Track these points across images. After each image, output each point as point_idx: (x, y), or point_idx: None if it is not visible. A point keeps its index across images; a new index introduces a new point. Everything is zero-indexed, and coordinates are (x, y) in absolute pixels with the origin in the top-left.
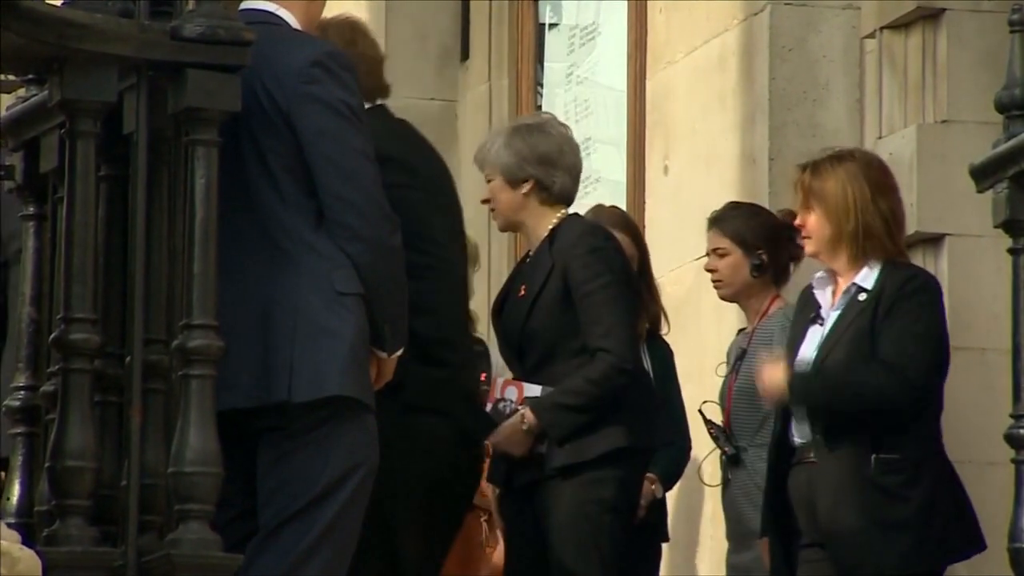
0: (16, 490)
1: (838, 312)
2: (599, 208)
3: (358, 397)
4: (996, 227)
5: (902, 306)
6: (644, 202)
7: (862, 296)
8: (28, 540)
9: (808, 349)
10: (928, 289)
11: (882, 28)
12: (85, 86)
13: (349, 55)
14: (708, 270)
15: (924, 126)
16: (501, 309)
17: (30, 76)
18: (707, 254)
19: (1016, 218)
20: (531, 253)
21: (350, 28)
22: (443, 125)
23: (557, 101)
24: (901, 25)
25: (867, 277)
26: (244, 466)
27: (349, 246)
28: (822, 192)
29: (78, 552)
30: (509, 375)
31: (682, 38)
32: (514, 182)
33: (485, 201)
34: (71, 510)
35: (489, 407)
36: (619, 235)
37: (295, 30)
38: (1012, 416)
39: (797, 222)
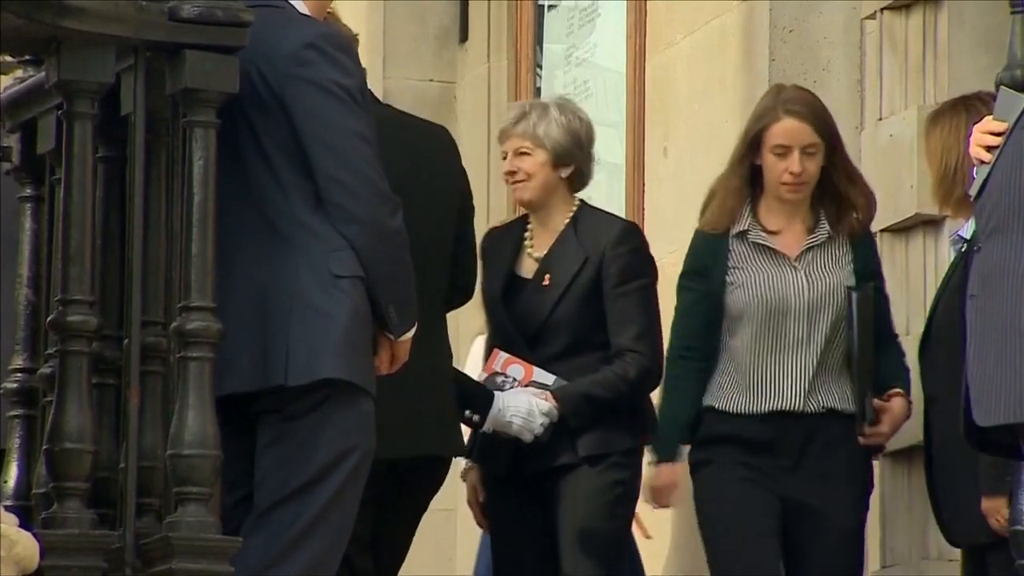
0: (14, 472)
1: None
2: None
3: (353, 380)
4: None
5: None
6: (644, 184)
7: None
8: (26, 523)
9: None
10: None
11: (883, 9)
12: (82, 67)
13: None
14: None
15: (925, 107)
16: (504, 294)
17: (27, 57)
18: None
19: None
20: (530, 238)
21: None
22: (442, 107)
23: (556, 83)
24: (902, 6)
25: (968, 227)
26: (246, 449)
27: (345, 228)
28: (926, 145)
29: (76, 535)
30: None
31: (682, 19)
32: (559, 163)
33: (511, 173)
34: (69, 493)
35: (482, 377)
36: None
37: (297, 13)
38: None
39: None
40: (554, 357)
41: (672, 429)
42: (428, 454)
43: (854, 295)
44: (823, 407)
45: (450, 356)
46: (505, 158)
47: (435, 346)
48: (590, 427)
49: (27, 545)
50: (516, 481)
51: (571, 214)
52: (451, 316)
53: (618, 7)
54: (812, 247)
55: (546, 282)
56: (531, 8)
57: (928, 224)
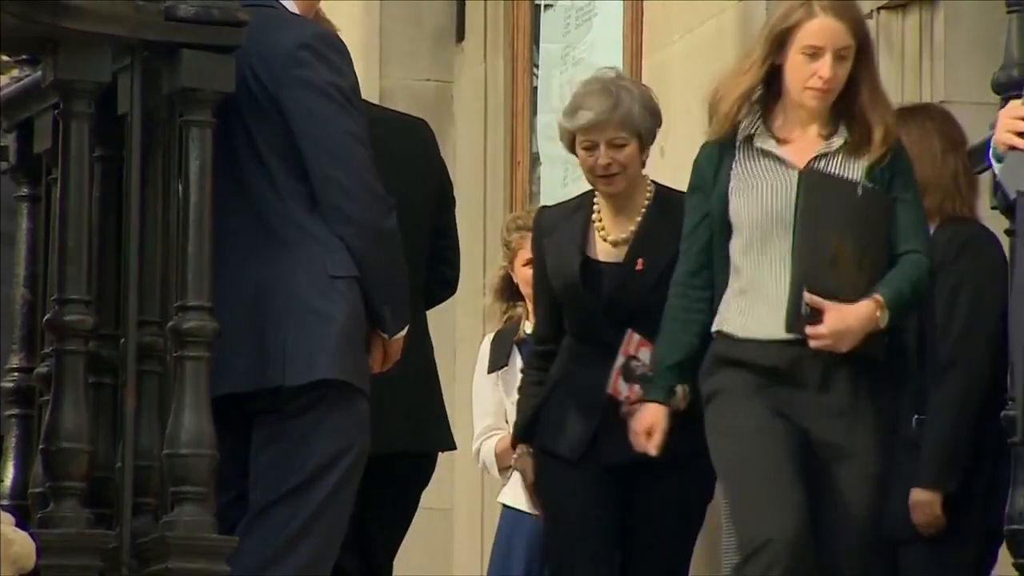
0: (10, 472)
1: None
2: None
3: (349, 380)
4: (993, 208)
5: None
6: None
7: None
8: (22, 522)
9: None
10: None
11: (879, 9)
12: (79, 66)
13: None
14: None
15: None
16: (584, 275)
17: (24, 56)
18: None
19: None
20: (600, 219)
21: None
22: (438, 107)
23: (553, 83)
24: (898, 6)
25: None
26: (241, 448)
27: (341, 229)
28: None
29: (72, 534)
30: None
31: (678, 19)
32: (644, 147)
33: (606, 166)
34: (65, 492)
35: (621, 361)
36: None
37: (288, 13)
38: (1008, 399)
39: None
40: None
41: (665, 367)
42: (410, 450)
43: (801, 175)
44: None
45: (431, 350)
46: (590, 149)
47: (416, 341)
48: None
49: (24, 544)
50: (586, 467)
51: (649, 195)
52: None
53: (615, 7)
54: (823, 156)
55: (639, 266)
56: (528, 8)
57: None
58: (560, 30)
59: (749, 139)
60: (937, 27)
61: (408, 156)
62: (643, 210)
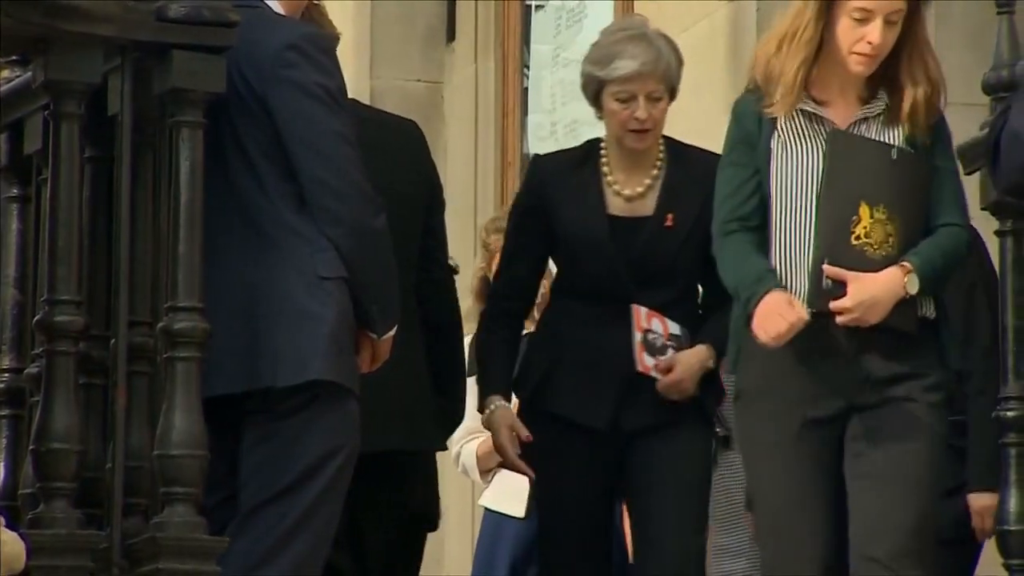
0: (0, 473)
1: None
2: None
3: (339, 381)
4: (983, 209)
5: None
6: None
7: None
8: (12, 523)
9: None
10: None
11: None
12: (70, 67)
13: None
14: None
15: None
16: (614, 230)
17: (14, 57)
18: None
19: (1003, 200)
20: (610, 173)
21: (306, 7)
22: (429, 106)
23: (543, 83)
24: None
25: None
26: (231, 449)
27: (330, 229)
28: None
29: (63, 535)
30: None
31: (670, 19)
32: (671, 100)
33: (642, 121)
34: (56, 493)
35: (639, 337)
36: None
37: (274, 13)
38: (999, 398)
39: None
40: (668, 304)
41: (765, 269)
42: (405, 449)
43: (829, 136)
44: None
45: (421, 350)
46: (626, 101)
47: (409, 341)
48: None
49: (14, 546)
50: (604, 436)
51: (661, 147)
52: None
53: (605, 7)
54: (864, 120)
55: (669, 222)
56: (518, 8)
57: None
58: (551, 31)
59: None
60: (928, 26)
61: (400, 158)
62: (658, 163)
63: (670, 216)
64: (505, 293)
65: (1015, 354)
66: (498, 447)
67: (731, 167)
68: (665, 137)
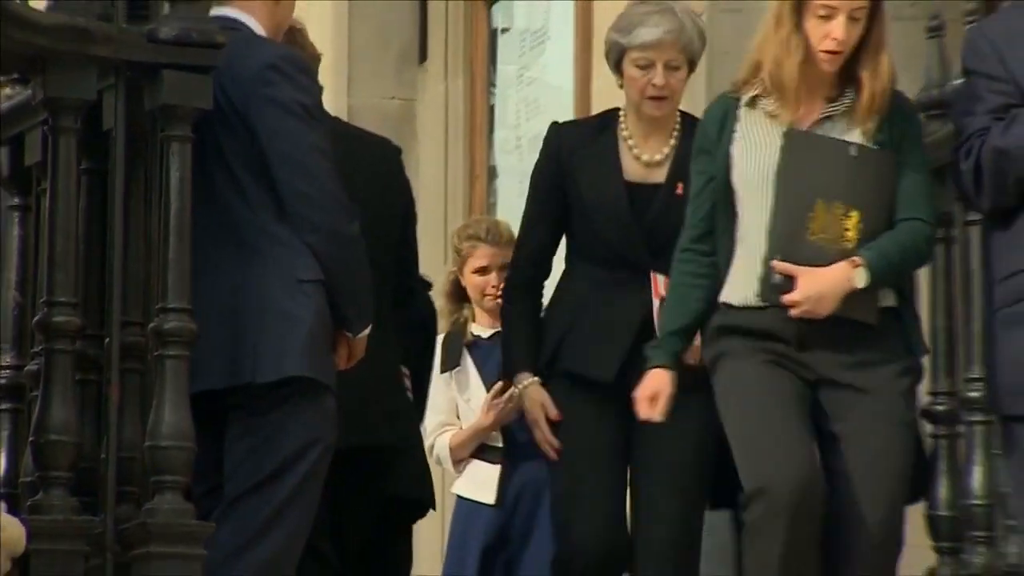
0: (2, 463)
1: None
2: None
3: (316, 377)
4: None
5: None
6: None
7: None
8: (13, 509)
9: None
10: None
11: None
12: (67, 85)
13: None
14: None
15: None
16: (631, 195)
17: (15, 76)
18: None
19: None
20: (630, 137)
21: (289, 31)
22: (403, 123)
23: (509, 101)
24: None
25: None
26: (216, 443)
27: (308, 236)
28: None
29: (60, 520)
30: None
31: None
32: (688, 75)
33: (659, 88)
34: (54, 481)
35: (656, 304)
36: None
37: (254, 35)
38: (929, 393)
39: None
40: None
41: (669, 332)
42: (375, 443)
43: (784, 136)
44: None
45: (398, 351)
46: (645, 68)
47: (383, 341)
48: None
49: (15, 530)
50: (614, 394)
51: (677, 118)
52: None
53: (566, 31)
54: (828, 119)
55: (679, 190)
56: (485, 31)
57: None
58: (516, 52)
59: (754, 101)
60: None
61: (378, 174)
62: (675, 133)
63: (680, 185)
64: (527, 261)
65: (945, 354)
66: (531, 422)
67: (693, 175)
68: (681, 111)
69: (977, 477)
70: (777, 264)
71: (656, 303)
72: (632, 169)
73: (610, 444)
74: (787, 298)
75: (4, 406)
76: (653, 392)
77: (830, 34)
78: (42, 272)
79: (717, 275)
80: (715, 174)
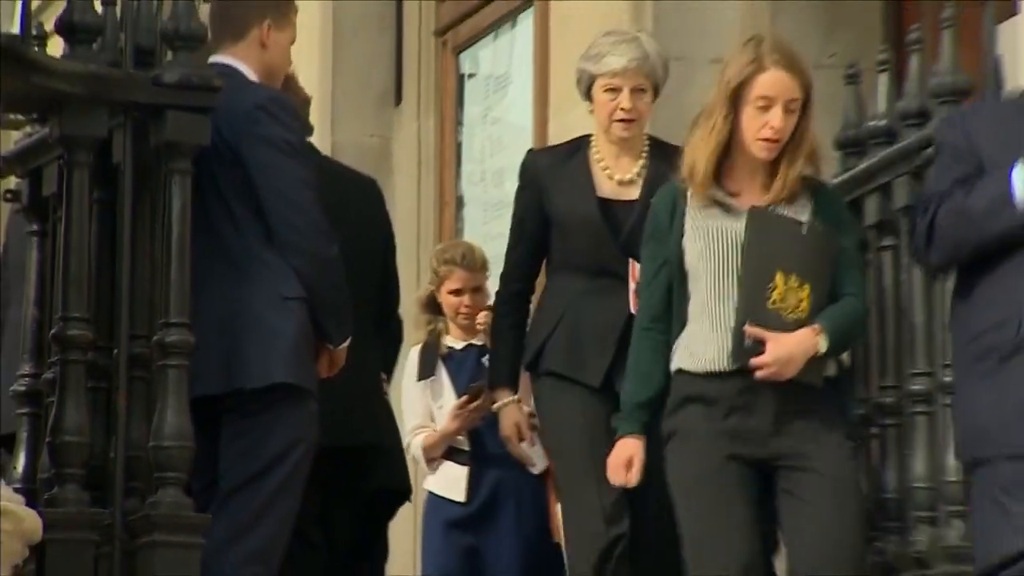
0: (22, 460)
1: None
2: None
3: (300, 384)
4: (869, 227)
5: None
6: None
7: None
8: (32, 502)
9: None
10: None
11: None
12: (80, 124)
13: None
14: None
15: None
16: (605, 210)
17: (34, 116)
18: None
19: (891, 219)
20: (601, 159)
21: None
22: (381, 157)
23: (475, 138)
24: None
25: None
26: (212, 442)
27: (294, 259)
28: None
29: (73, 512)
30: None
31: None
32: (654, 100)
33: (627, 111)
34: (68, 478)
35: (633, 286)
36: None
37: (246, 79)
38: (879, 387)
39: None
40: None
41: (636, 404)
42: (360, 443)
43: (748, 214)
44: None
45: (379, 363)
46: (612, 91)
47: (366, 353)
48: None
49: (32, 521)
50: (601, 396)
51: (645, 140)
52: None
53: (526, 76)
54: (769, 205)
55: None
56: (454, 76)
57: None
58: (481, 95)
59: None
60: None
61: (363, 209)
62: (644, 153)
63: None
64: (513, 276)
65: (893, 352)
66: (504, 438)
67: (645, 260)
68: (648, 134)
69: (920, 463)
70: (749, 328)
71: (633, 285)
72: (605, 186)
73: (597, 435)
74: (757, 360)
75: (23, 410)
76: (627, 458)
77: (768, 123)
78: (58, 290)
79: (668, 353)
80: (668, 257)
